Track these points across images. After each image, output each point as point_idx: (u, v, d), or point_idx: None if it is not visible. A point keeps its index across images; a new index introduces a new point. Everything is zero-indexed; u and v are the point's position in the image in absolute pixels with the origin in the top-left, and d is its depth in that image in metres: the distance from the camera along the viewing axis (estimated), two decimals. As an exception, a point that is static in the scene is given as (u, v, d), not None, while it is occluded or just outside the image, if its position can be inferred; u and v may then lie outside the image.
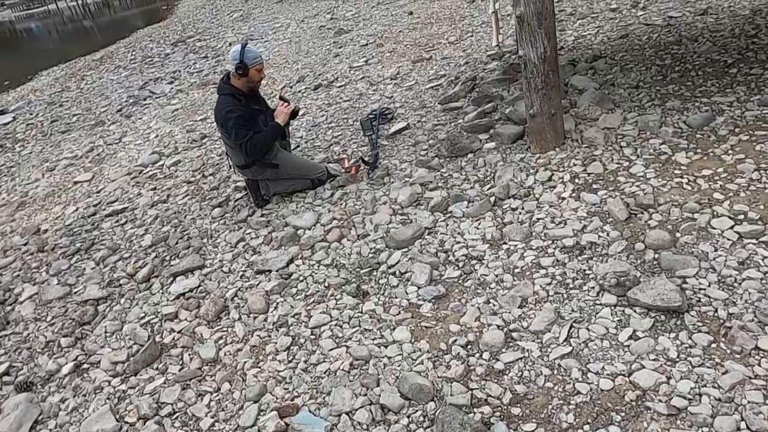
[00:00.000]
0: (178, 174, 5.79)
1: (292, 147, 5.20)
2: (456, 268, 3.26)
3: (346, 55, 8.46)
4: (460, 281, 3.16)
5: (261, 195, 4.55)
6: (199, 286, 3.75)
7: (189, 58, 11.54)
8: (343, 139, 5.43)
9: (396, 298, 3.15)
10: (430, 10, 9.96)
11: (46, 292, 4.10)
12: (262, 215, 4.43)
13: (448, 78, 6.23)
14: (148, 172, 6.08)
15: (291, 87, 7.60)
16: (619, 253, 3.00)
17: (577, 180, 3.73)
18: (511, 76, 5.53)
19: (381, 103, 6.06)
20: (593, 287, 2.84)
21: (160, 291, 3.83)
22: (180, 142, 6.74)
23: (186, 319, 3.47)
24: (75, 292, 4.07)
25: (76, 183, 6.49)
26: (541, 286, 2.94)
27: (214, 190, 5.11)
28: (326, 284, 3.43)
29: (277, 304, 3.37)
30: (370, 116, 5.64)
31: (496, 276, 3.11)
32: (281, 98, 4.80)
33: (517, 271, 3.11)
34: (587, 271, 2.96)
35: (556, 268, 3.04)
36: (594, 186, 3.62)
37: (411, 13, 9.98)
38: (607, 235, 3.16)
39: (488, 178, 4.07)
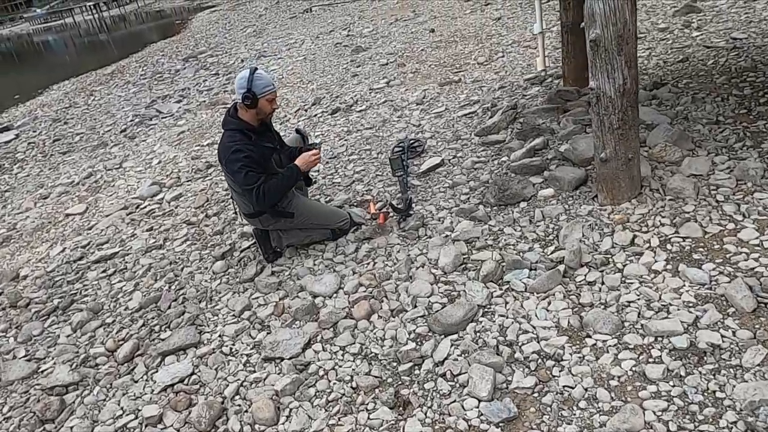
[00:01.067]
0: (178, 211, 4.95)
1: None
2: (527, 371, 2.39)
3: (365, 75, 7.63)
4: (536, 394, 2.28)
5: (271, 247, 3.70)
6: (193, 374, 2.88)
7: (199, 75, 10.74)
8: (367, 175, 4.57)
9: (449, 415, 2.28)
10: (452, 27, 9.12)
11: (9, 369, 3.24)
12: (273, 273, 3.58)
13: (482, 105, 5.38)
14: (145, 206, 5.24)
15: (306, 110, 6.76)
16: (757, 366, 2.12)
17: (669, 246, 2.85)
18: (560, 106, 4.66)
19: (408, 132, 5.21)
20: (734, 422, 1.96)
21: (145, 377, 2.96)
22: (183, 171, 5.91)
23: (173, 426, 2.60)
24: (42, 371, 3.22)
25: (67, 216, 5.66)
26: (654, 413, 2.06)
27: (218, 235, 4.27)
28: (354, 384, 2.56)
29: (290, 411, 2.51)
30: (397, 149, 4.79)
31: (586, 390, 2.23)
32: (304, 136, 3.96)
33: (614, 383, 2.23)
34: (718, 393, 2.08)
35: (671, 383, 2.16)
36: (695, 256, 2.75)
37: (432, 31, 9.15)
38: (733, 334, 2.29)
39: (550, 237, 3.20)
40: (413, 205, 3.83)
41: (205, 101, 8.66)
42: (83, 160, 7.51)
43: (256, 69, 3.40)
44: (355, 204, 4.18)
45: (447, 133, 4.98)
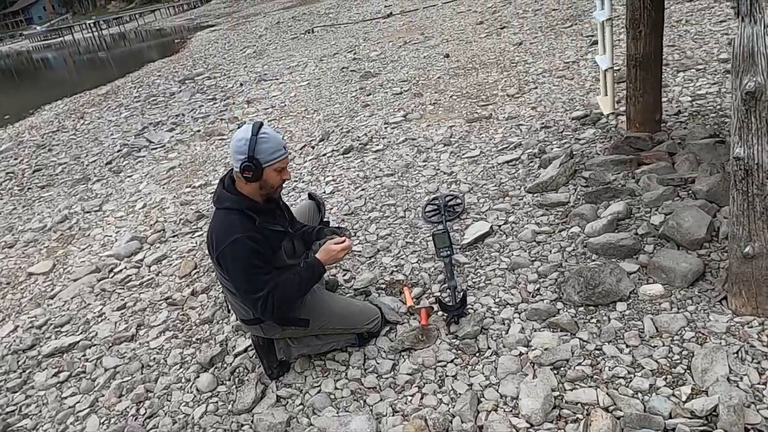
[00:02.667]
0: (159, 280, 3.86)
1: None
2: None
3: (377, 106, 6.58)
4: None
5: (276, 359, 2.62)
6: None
7: (195, 100, 9.67)
8: (395, 242, 3.51)
9: None
10: (468, 52, 8.10)
11: None
12: (279, 399, 2.50)
13: (526, 149, 4.33)
14: (121, 270, 4.15)
15: (313, 147, 5.69)
16: None
17: None
18: (633, 157, 3.62)
19: (438, 182, 4.15)
20: None
21: None
22: (169, 221, 4.82)
23: None
24: None
25: (30, 275, 4.55)
26: None
27: (206, 325, 3.18)
28: None
29: None
30: (431, 209, 3.73)
31: None
32: (320, 204, 2.90)
33: None
34: None
35: None
36: None
37: (447, 56, 8.12)
38: None
39: (678, 368, 2.14)
40: (467, 300, 2.76)
41: (199, 130, 7.58)
42: (61, 198, 6.41)
43: (261, 125, 2.32)
44: (382, 286, 3.11)
45: (488, 186, 3.92)
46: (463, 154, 4.57)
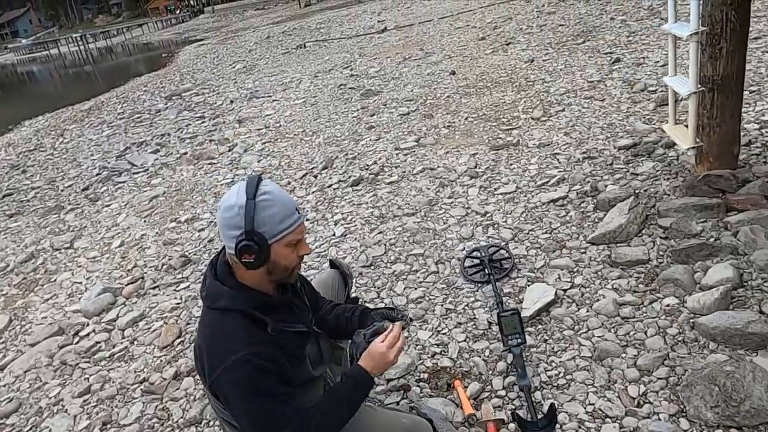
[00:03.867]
0: (134, 351, 3.02)
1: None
2: None
3: (383, 128, 5.80)
4: None
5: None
6: None
7: (182, 118, 8.81)
8: (431, 307, 2.72)
9: None
10: (476, 69, 7.37)
11: None
12: None
13: (571, 184, 3.58)
14: (89, 334, 3.30)
15: (315, 176, 4.89)
16: None
17: None
18: (723, 201, 2.88)
19: (471, 224, 3.38)
20: None
21: None
22: (150, 266, 3.98)
23: None
24: None
25: (-20, 334, 3.68)
26: None
27: (192, 428, 2.35)
28: None
29: None
30: (471, 263, 2.95)
31: None
32: (347, 276, 2.11)
33: None
34: None
35: None
36: None
37: (453, 73, 7.38)
38: None
39: None
40: (555, 411, 1.96)
41: (186, 153, 6.74)
42: (30, 231, 5.52)
43: (259, 181, 1.50)
44: (423, 376, 2.31)
45: (536, 232, 3.15)
46: (496, 190, 3.80)
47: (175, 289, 3.56)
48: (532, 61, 7.06)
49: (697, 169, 3.30)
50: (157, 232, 4.61)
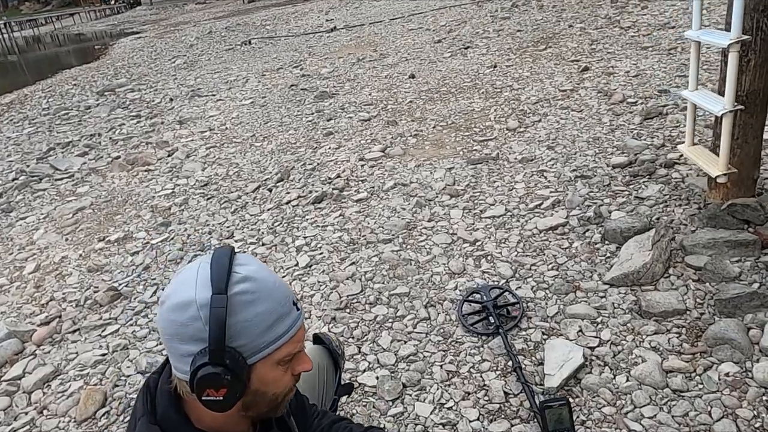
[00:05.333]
0: (42, 426, 2.29)
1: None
2: None
3: (343, 135, 5.18)
4: None
5: None
6: None
7: (115, 116, 7.85)
8: (427, 368, 2.16)
9: None
10: (436, 73, 6.86)
11: None
12: None
13: (569, 208, 3.10)
14: (-17, 399, 2.52)
15: (270, 190, 4.21)
16: None
17: None
18: (758, 236, 2.44)
19: (459, 253, 2.84)
20: None
21: None
22: (70, 299, 3.22)
23: None
24: None
25: None
26: None
27: None
28: None
29: None
30: (470, 309, 2.39)
31: None
32: (337, 356, 1.49)
33: None
34: None
35: None
36: None
37: (413, 77, 6.84)
38: None
39: None
40: None
41: (119, 157, 5.87)
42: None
43: (231, 256, 0.89)
44: (430, 469, 1.73)
45: (540, 268, 2.64)
46: (482, 212, 3.27)
47: (100, 335, 2.83)
48: (495, 66, 6.61)
49: (711, 194, 2.88)
50: (81, 255, 3.82)
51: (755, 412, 1.71)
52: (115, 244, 3.87)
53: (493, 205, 3.33)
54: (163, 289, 3.12)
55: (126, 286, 3.25)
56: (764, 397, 1.75)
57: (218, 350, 0.82)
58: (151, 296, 3.09)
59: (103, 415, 2.26)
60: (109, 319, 2.94)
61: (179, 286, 0.86)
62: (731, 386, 1.81)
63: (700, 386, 1.85)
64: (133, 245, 3.77)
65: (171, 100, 8.14)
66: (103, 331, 2.85)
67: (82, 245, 3.97)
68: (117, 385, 2.41)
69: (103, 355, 2.64)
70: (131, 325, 2.85)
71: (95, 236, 4.07)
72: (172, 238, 3.73)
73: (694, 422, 1.73)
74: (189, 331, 0.83)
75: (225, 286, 0.83)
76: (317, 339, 1.53)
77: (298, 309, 0.92)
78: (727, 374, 1.86)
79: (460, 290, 2.58)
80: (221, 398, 0.84)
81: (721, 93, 2.61)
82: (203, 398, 0.84)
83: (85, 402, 2.31)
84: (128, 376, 2.46)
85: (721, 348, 1.95)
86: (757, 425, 1.68)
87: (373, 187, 3.87)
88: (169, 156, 5.48)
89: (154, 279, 3.26)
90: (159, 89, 9.24)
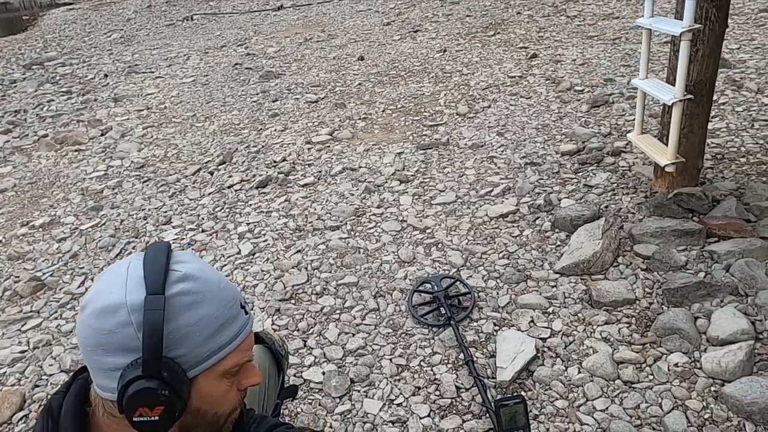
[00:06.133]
0: (-49, 433, 2.05)
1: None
2: None
3: (289, 116, 4.98)
4: None
5: None
6: None
7: (44, 91, 7.31)
8: (376, 363, 2.06)
9: None
10: (385, 56, 6.72)
11: None
12: None
13: (519, 195, 3.06)
14: None
15: (212, 173, 3.99)
16: None
17: None
18: (703, 226, 2.46)
19: (409, 241, 2.75)
20: None
21: None
22: (-13, 293, 2.93)
23: None
24: None
25: None
26: None
27: None
28: None
29: None
30: (420, 300, 2.31)
31: None
32: (280, 358, 1.36)
33: None
34: None
35: None
36: None
37: (362, 59, 6.68)
38: None
39: None
40: None
41: (47, 135, 5.46)
42: None
43: (168, 253, 0.76)
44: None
45: (492, 256, 2.58)
46: (432, 199, 3.19)
47: (20, 330, 2.58)
48: (445, 51, 6.53)
49: (657, 183, 2.90)
50: (0, 241, 3.50)
51: (704, 403, 1.70)
52: (40, 229, 3.57)
53: (444, 191, 3.25)
54: (92, 280, 2.89)
55: (51, 275, 2.99)
56: (712, 388, 1.74)
57: (154, 361, 0.68)
58: (78, 287, 2.85)
59: (21, 419, 2.05)
60: (31, 312, 2.69)
61: (105, 286, 0.72)
62: (681, 377, 1.80)
63: (651, 377, 1.83)
64: (60, 231, 3.49)
65: (105, 76, 7.66)
66: (23, 325, 2.60)
67: (3, 231, 3.65)
68: (38, 386, 2.20)
69: (23, 352, 2.41)
70: (55, 318, 2.62)
71: (17, 221, 3.75)
72: (104, 224, 3.47)
73: (646, 414, 1.70)
74: (117, 340, 0.70)
75: (162, 285, 0.70)
76: (258, 338, 1.39)
77: (246, 312, 0.80)
78: (676, 365, 1.84)
79: (410, 280, 2.49)
80: (156, 418, 0.70)
81: (671, 82, 2.60)
82: (135, 419, 0.70)
83: (0, 404, 2.09)
84: (51, 375, 2.24)
85: (670, 338, 1.93)
86: (706, 416, 1.67)
87: (320, 172, 3.72)
88: (102, 135, 5.13)
89: (83, 268, 3.01)
90: (93, 64, 8.68)
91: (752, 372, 1.75)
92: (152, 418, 0.71)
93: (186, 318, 0.73)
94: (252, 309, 2.46)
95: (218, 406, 0.79)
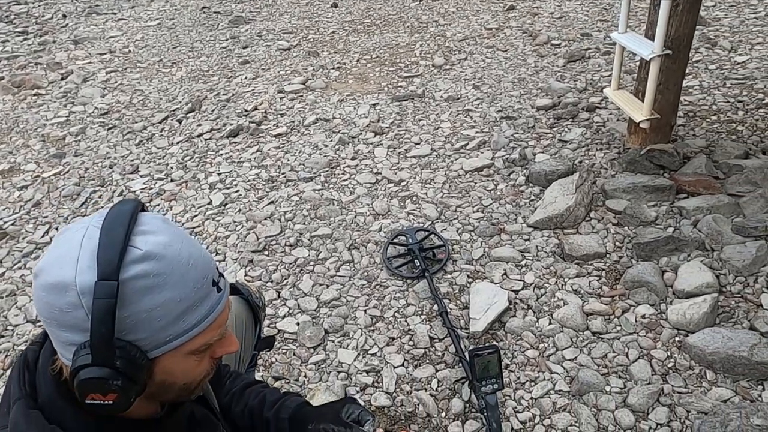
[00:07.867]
0: None
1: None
2: None
3: (261, 64, 4.82)
4: None
5: None
6: None
7: (-3, 31, 6.89)
8: (350, 313, 2.06)
9: None
10: (360, 4, 6.50)
11: None
12: None
13: (495, 150, 3.04)
14: None
15: (180, 121, 3.86)
16: None
17: None
18: (673, 182, 2.49)
19: (384, 194, 2.73)
20: None
21: None
22: (-54, 241, 2.81)
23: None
24: None
25: None
26: None
27: None
28: None
29: None
30: (395, 252, 2.30)
31: None
32: (257, 308, 1.34)
33: None
34: None
35: None
36: None
37: (335, 5, 6.46)
38: None
39: None
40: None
41: (2, 78, 5.18)
42: None
43: (135, 213, 0.70)
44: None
45: (466, 209, 2.58)
46: (407, 151, 3.15)
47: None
48: (421, 1, 6.35)
49: (630, 139, 2.91)
50: (-44, 191, 3.34)
51: (668, 353, 1.76)
52: (0, 177, 3.42)
53: (419, 144, 3.21)
54: (57, 229, 2.80)
55: (12, 224, 2.88)
56: (677, 338, 1.80)
57: (105, 349, 0.65)
58: (43, 236, 2.76)
59: (-13, 369, 2.00)
60: (-8, 266, 2.60)
61: (57, 259, 0.66)
62: (647, 328, 1.85)
63: (618, 328, 1.88)
64: (20, 178, 3.35)
65: (64, 16, 7.24)
66: (-16, 278, 2.51)
67: (-41, 178, 3.48)
68: (2, 336, 2.14)
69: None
70: (19, 268, 2.54)
71: (-26, 168, 3.58)
72: (67, 172, 3.34)
73: (613, 363, 1.76)
74: (68, 319, 0.65)
75: (116, 267, 0.64)
76: (234, 289, 1.36)
77: (220, 289, 0.75)
78: (643, 316, 1.89)
79: (384, 232, 2.48)
80: (110, 402, 0.67)
81: (649, 37, 2.58)
82: (88, 402, 0.67)
83: (-37, 356, 2.03)
84: (16, 325, 2.19)
85: (638, 291, 1.98)
86: (670, 365, 1.72)
87: (293, 122, 3.63)
88: (62, 79, 4.88)
89: (47, 217, 2.91)
90: (50, 3, 8.18)
91: (715, 323, 1.81)
92: (105, 402, 0.68)
93: (144, 303, 0.66)
94: (224, 260, 2.42)
95: (186, 378, 0.76)
